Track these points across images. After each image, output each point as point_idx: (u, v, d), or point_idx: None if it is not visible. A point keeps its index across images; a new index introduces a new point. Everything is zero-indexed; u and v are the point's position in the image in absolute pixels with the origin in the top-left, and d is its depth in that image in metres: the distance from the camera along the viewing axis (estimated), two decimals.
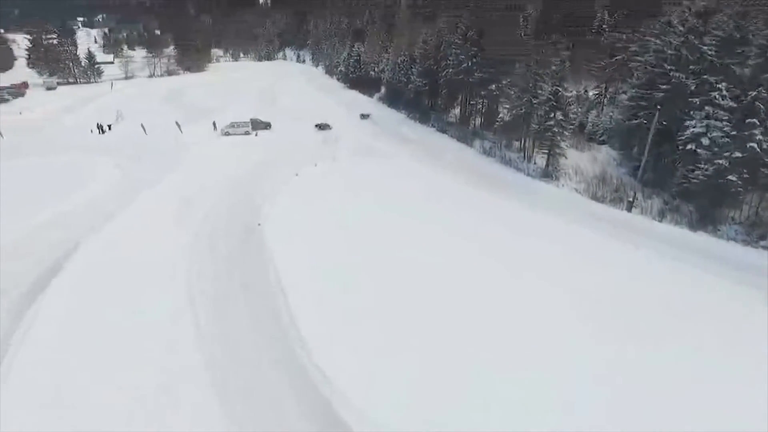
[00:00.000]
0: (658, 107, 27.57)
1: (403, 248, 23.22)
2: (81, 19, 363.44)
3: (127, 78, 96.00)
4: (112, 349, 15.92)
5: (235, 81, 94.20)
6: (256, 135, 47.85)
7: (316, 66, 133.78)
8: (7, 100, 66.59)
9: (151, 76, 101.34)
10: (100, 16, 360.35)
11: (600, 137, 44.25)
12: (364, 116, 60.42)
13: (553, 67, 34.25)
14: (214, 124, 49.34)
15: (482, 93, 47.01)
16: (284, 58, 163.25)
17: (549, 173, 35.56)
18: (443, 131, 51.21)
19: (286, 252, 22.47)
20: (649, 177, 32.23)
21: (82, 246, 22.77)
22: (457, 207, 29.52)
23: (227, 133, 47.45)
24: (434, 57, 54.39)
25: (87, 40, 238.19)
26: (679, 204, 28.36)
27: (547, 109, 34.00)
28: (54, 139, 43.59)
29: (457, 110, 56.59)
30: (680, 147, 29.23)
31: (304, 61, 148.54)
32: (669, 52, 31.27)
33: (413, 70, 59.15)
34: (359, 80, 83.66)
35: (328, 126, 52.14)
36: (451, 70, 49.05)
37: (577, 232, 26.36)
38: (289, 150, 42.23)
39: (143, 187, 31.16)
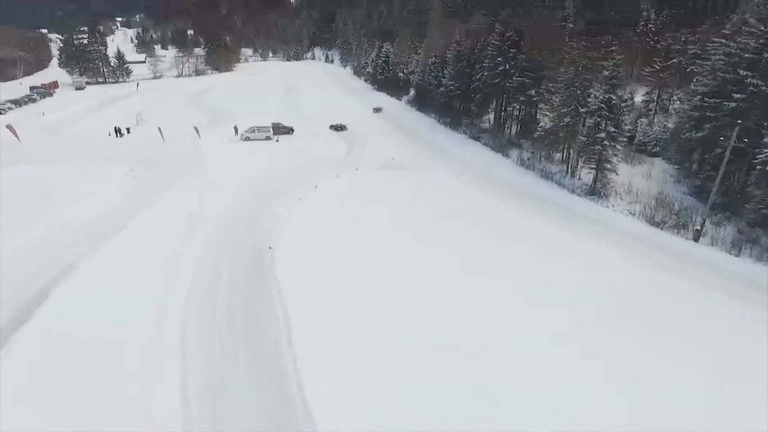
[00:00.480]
0: (738, 121, 23.52)
1: (414, 272, 20.90)
2: (120, 19, 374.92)
3: (155, 78, 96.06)
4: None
5: (261, 81, 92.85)
6: (277, 140, 45.49)
7: (344, 66, 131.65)
8: (35, 101, 66.66)
9: (179, 75, 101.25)
10: (138, 15, 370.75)
11: (652, 149, 39.94)
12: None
13: (606, 72, 30.37)
14: (235, 128, 47.25)
15: (520, 99, 43.24)
16: (313, 57, 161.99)
17: (596, 191, 31.70)
18: (476, 138, 47.69)
19: (294, 280, 19.87)
20: (717, 200, 28.04)
21: (75, 269, 20.60)
22: (486, 228, 26.31)
23: (247, 138, 45.26)
24: (468, 59, 50.90)
25: (124, 39, 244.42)
26: (759, 235, 24.20)
27: (597, 119, 30.16)
28: (71, 142, 42.26)
29: (491, 116, 52.94)
30: (758, 166, 25.11)
31: (332, 61, 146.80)
32: (745, 55, 27.04)
33: (445, 72, 55.85)
34: (387, 82, 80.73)
35: (344, 127, 50.90)
36: (486, 74, 45.51)
37: (626, 260, 22.75)
38: (311, 157, 39.62)
39: (154, 196, 29.24)
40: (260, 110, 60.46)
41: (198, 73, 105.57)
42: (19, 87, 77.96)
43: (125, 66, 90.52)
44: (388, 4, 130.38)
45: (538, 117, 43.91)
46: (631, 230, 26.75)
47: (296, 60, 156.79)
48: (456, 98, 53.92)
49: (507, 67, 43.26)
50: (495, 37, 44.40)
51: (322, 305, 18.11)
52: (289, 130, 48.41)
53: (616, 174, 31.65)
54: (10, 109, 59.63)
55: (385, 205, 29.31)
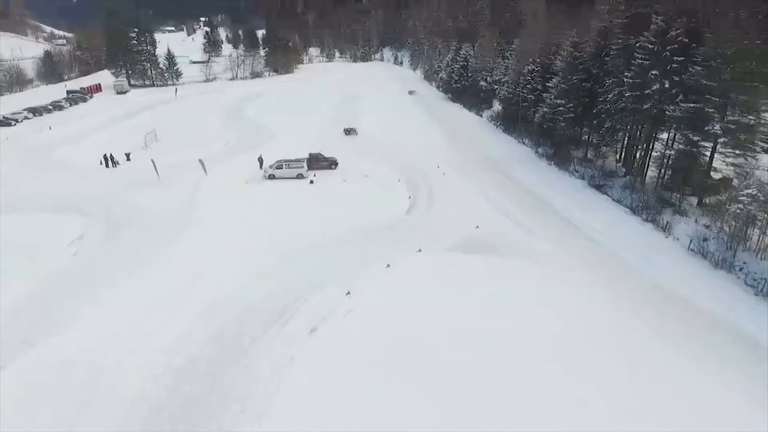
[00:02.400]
0: None
1: None
2: (203, 19, 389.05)
3: (207, 81, 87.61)
4: None
5: (319, 87, 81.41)
6: (312, 181, 32.59)
7: (414, 69, 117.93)
8: (62, 108, 59.15)
9: (233, 78, 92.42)
10: (220, 15, 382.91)
11: None
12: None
13: None
14: (259, 160, 35.04)
15: (693, 137, 26.73)
16: (381, 59, 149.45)
17: None
18: (598, 187, 32.03)
19: None
20: None
21: None
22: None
23: (272, 177, 32.81)
24: (590, 68, 35.17)
25: (201, 39, 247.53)
26: None
27: None
28: (41, 178, 31.94)
29: (612, 151, 36.79)
30: None
31: (401, 63, 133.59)
32: None
33: (549, 85, 40.34)
34: (464, 91, 65.94)
35: (355, 131, 47.81)
36: (627, 93, 29.63)
37: None
38: (353, 216, 26.14)
39: (90, 293, 17.31)
40: (307, 127, 48.73)
41: (255, 75, 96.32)
42: (62, 90, 72.01)
43: (175, 68, 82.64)
44: None
45: (711, 164, 27.41)
46: None
47: (363, 61, 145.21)
48: (565, 123, 38.19)
49: (667, 84, 27.25)
50: (648, 37, 28.34)
51: None
52: (331, 164, 35.50)
53: None
54: (26, 119, 51.97)
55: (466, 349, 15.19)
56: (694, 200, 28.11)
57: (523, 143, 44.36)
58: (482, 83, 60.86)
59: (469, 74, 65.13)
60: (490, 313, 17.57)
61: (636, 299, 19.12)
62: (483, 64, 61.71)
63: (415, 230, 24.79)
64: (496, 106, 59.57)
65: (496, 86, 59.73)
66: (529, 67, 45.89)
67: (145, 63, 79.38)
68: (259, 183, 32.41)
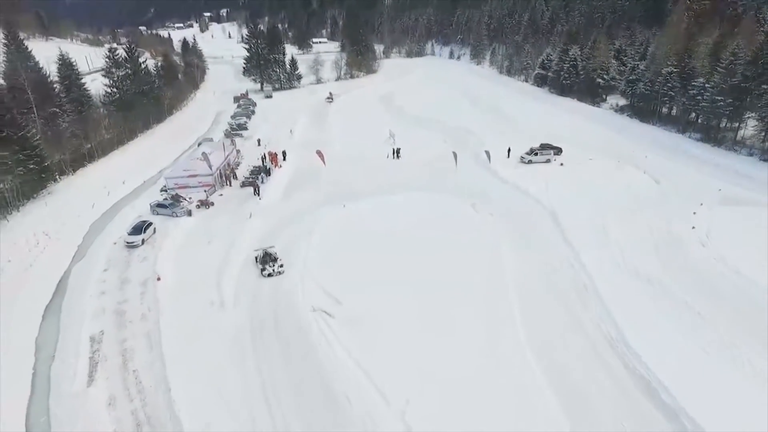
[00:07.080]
0: None
1: None
2: (208, 14, 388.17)
3: (318, 82, 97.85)
4: None
5: (424, 85, 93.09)
6: (562, 164, 43.80)
7: (477, 64, 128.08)
8: (250, 115, 67.97)
9: (338, 79, 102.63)
10: (225, 10, 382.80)
11: None
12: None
13: None
14: (509, 150, 46.11)
15: None
16: (432, 53, 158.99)
17: None
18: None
19: None
20: None
21: None
22: None
23: (530, 161, 44.00)
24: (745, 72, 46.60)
25: (222, 35, 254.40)
26: None
27: None
28: None
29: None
30: None
31: (458, 58, 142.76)
32: None
33: (696, 84, 51.77)
34: (571, 87, 77.48)
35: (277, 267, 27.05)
36: None
37: None
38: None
39: None
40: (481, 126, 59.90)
41: (351, 76, 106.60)
42: (212, 97, 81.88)
43: (296, 72, 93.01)
44: None
45: None
46: None
47: (418, 57, 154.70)
48: (726, 115, 49.80)
49: None
50: None
51: None
52: (559, 151, 46.12)
53: None
54: (239, 133, 57.17)
55: None
56: None
57: (671, 131, 55.56)
58: (599, 80, 72.31)
59: (580, 72, 76.36)
60: None
61: None
62: (596, 63, 73.03)
63: None
64: (612, 100, 70.97)
65: (612, 82, 71.28)
66: (667, 69, 57.40)
67: (276, 69, 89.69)
68: (522, 166, 43.64)
